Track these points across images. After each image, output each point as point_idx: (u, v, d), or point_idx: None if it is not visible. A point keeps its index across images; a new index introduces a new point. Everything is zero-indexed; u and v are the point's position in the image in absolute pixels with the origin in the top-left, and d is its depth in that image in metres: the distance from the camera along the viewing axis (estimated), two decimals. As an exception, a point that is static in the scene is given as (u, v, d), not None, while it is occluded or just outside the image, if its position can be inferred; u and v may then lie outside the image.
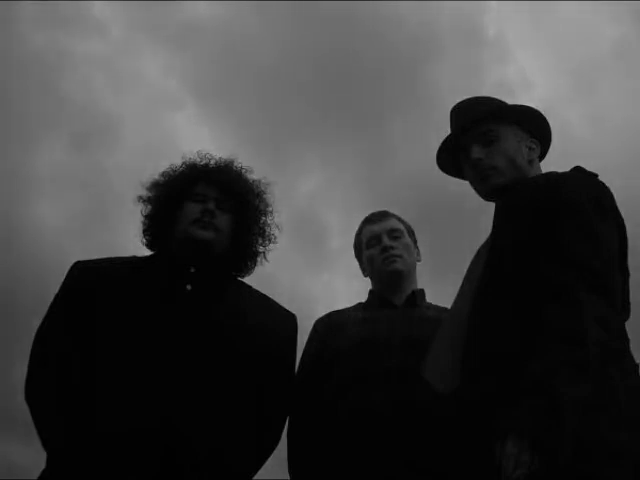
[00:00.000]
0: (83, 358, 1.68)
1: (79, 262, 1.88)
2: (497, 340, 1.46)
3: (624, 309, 1.56)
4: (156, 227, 1.95)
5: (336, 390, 1.94)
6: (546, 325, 1.35)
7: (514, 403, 1.28)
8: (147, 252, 1.98)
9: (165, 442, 1.58)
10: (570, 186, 1.57)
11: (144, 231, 1.97)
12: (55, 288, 1.84)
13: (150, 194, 1.99)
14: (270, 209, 2.05)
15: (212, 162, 2.03)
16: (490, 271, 1.57)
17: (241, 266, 2.00)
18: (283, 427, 1.91)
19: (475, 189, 1.82)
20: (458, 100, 1.89)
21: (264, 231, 2.03)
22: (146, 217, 1.97)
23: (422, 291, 2.21)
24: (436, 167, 1.94)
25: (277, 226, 2.05)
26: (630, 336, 1.52)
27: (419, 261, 2.25)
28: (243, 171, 2.04)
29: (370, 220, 2.26)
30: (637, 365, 1.49)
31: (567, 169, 1.67)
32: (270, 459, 1.83)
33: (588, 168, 1.65)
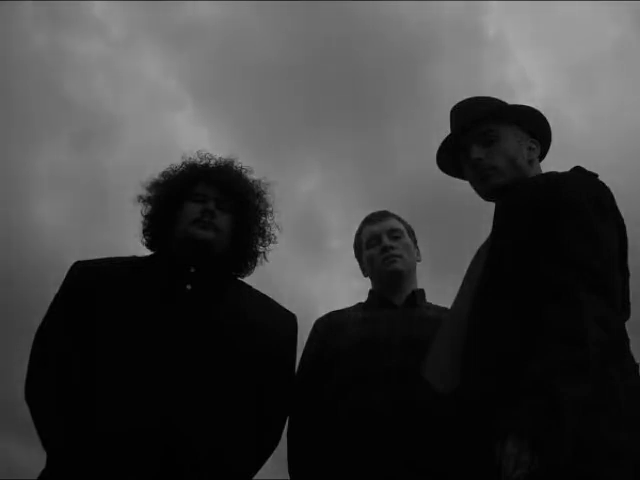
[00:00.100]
0: (83, 358, 1.68)
1: (79, 262, 1.88)
2: (497, 340, 1.46)
3: (624, 309, 1.56)
4: (156, 227, 1.95)
5: (336, 390, 1.94)
6: (546, 325, 1.35)
7: (514, 403, 1.28)
8: (147, 252, 1.98)
9: (165, 442, 1.58)
10: (570, 186, 1.57)
11: (144, 231, 1.97)
12: (55, 288, 1.84)
13: (150, 194, 1.99)
14: (270, 209, 2.05)
15: (212, 162, 2.03)
16: (490, 271, 1.57)
17: (241, 266, 2.00)
18: (283, 427, 1.91)
19: (475, 189, 1.82)
20: (458, 100, 1.89)
21: (264, 231, 2.03)
22: (146, 217, 1.97)
23: (422, 291, 2.21)
24: (436, 167, 1.94)
25: (277, 226, 2.06)
26: (630, 336, 1.52)
27: (419, 261, 2.25)
28: (243, 171, 2.04)
29: (370, 220, 2.26)
30: (637, 365, 1.49)
31: (567, 169, 1.67)
32: (270, 459, 1.83)
33: (588, 168, 1.65)
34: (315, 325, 2.18)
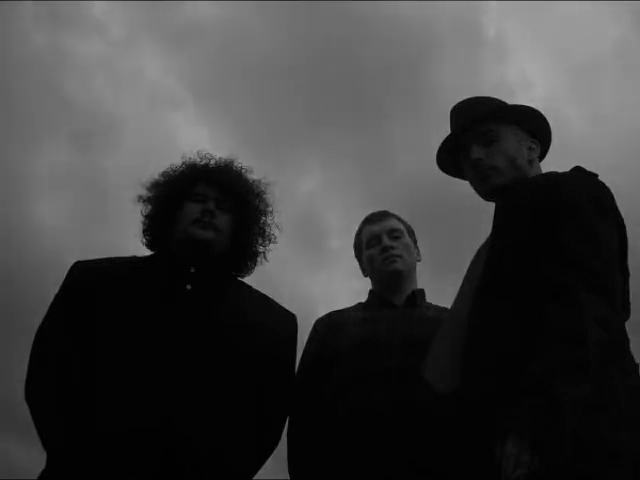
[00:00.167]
0: (83, 358, 1.68)
1: (79, 262, 1.88)
2: (497, 340, 1.46)
3: (624, 309, 1.56)
4: (156, 227, 1.95)
5: (336, 390, 1.94)
6: (546, 325, 1.35)
7: (514, 403, 1.28)
8: (147, 252, 1.98)
9: (165, 442, 1.58)
10: (570, 186, 1.57)
11: (144, 231, 1.97)
12: (55, 288, 1.84)
13: (150, 194, 2.00)
14: (270, 209, 2.05)
15: (212, 162, 2.03)
16: (490, 271, 1.57)
17: (241, 266, 2.00)
18: (283, 427, 1.91)
19: (475, 189, 1.82)
20: (458, 100, 1.89)
21: (264, 231, 2.03)
22: (146, 217, 1.97)
23: (422, 291, 2.21)
24: (436, 167, 1.94)
25: (277, 226, 2.06)
26: (630, 336, 1.52)
27: (419, 261, 2.25)
28: (243, 171, 2.04)
29: (370, 220, 2.26)
30: (637, 365, 1.49)
31: (567, 169, 1.67)
32: (270, 459, 1.83)
33: (588, 168, 1.65)
34: (315, 325, 2.18)
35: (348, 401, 1.89)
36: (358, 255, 2.30)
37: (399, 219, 2.26)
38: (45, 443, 1.65)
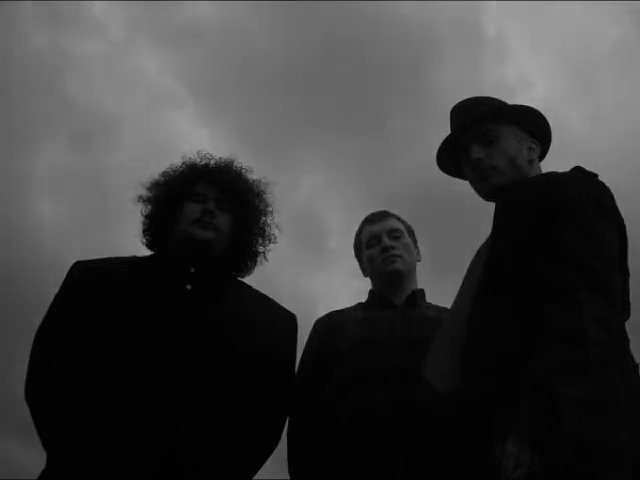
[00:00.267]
0: (83, 358, 1.68)
1: (79, 262, 1.88)
2: (497, 340, 1.46)
3: (624, 309, 1.56)
4: (156, 227, 1.95)
5: (336, 390, 1.94)
6: (546, 325, 1.35)
7: (514, 403, 1.28)
8: (147, 252, 1.98)
9: (165, 442, 1.58)
10: (570, 186, 1.57)
11: (144, 231, 1.97)
12: (55, 288, 1.84)
13: (150, 194, 2.00)
14: (270, 209, 2.05)
15: (212, 162, 2.03)
16: (490, 271, 1.57)
17: (241, 266, 2.00)
18: (283, 427, 1.91)
19: (475, 189, 1.82)
20: (458, 100, 1.89)
21: (264, 231, 2.03)
22: (146, 217, 1.97)
23: (422, 291, 2.21)
24: (436, 167, 1.94)
25: (277, 226, 2.06)
26: (630, 336, 1.52)
27: (419, 261, 2.25)
28: (243, 171, 2.04)
29: (370, 220, 2.26)
30: (637, 365, 1.49)
31: (567, 169, 1.67)
32: (270, 459, 1.83)
33: (588, 168, 1.65)
34: (315, 325, 2.18)
35: (348, 401, 1.89)
36: (358, 255, 2.30)
37: (399, 219, 2.26)
38: (45, 443, 1.65)
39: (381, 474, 1.78)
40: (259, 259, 2.03)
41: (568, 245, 1.46)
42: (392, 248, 2.14)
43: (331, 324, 2.13)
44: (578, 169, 1.66)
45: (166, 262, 1.88)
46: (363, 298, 2.24)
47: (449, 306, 1.82)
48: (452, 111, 1.88)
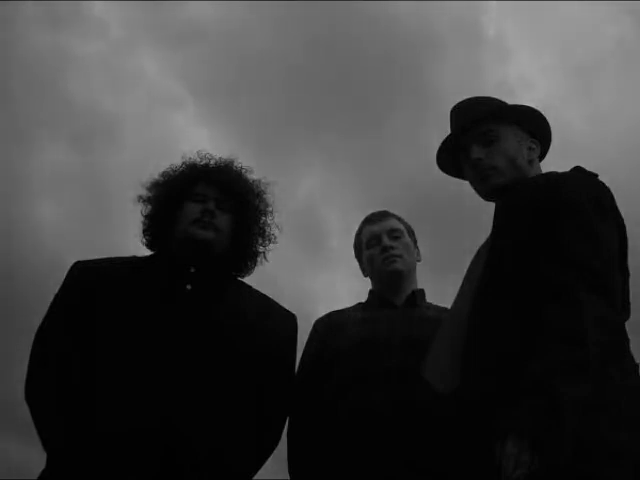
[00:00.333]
0: (83, 358, 1.68)
1: (79, 262, 1.88)
2: (497, 340, 1.46)
3: (624, 309, 1.56)
4: (156, 227, 1.95)
5: (336, 390, 1.94)
6: (546, 325, 1.35)
7: (514, 403, 1.28)
8: (147, 252, 1.98)
9: (165, 442, 1.58)
10: (570, 186, 1.57)
11: (144, 231, 1.97)
12: (55, 288, 1.84)
13: (150, 194, 2.00)
14: (270, 209, 2.05)
15: (212, 162, 2.03)
16: (490, 271, 1.57)
17: (241, 266, 2.00)
18: (283, 427, 1.91)
19: (475, 189, 1.82)
20: (458, 100, 1.89)
21: (264, 231, 2.03)
22: (146, 217, 1.97)
23: (422, 291, 2.21)
24: (436, 167, 1.94)
25: (277, 226, 2.06)
26: (630, 336, 1.52)
27: (419, 261, 2.25)
28: (243, 171, 2.04)
29: (370, 220, 2.26)
30: (637, 365, 1.49)
31: (567, 169, 1.67)
32: (270, 459, 1.83)
33: (588, 168, 1.65)
34: (315, 325, 2.18)
35: (348, 401, 1.89)
36: (358, 255, 2.30)
37: (399, 219, 2.26)
38: (45, 443, 1.65)
39: (381, 474, 1.78)
40: (259, 259, 2.03)
41: (568, 245, 1.46)
42: (392, 248, 2.14)
43: (331, 324, 2.13)
44: (578, 169, 1.66)
45: (166, 262, 1.88)
46: (363, 298, 2.24)
47: (449, 306, 1.82)
48: (452, 111, 1.88)
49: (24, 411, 1.69)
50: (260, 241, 2.02)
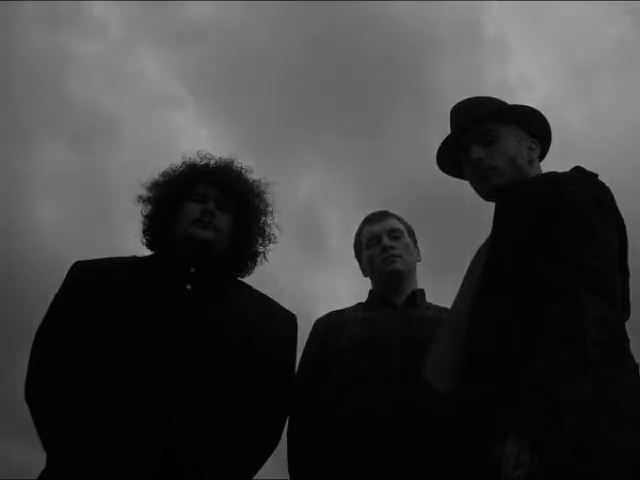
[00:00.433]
0: (83, 358, 1.68)
1: (79, 262, 1.88)
2: (497, 340, 1.46)
3: (624, 309, 1.56)
4: (156, 227, 1.95)
5: (336, 390, 1.94)
6: (546, 325, 1.35)
7: (514, 403, 1.28)
8: (147, 252, 1.98)
9: (165, 442, 1.58)
10: (570, 186, 1.57)
11: (144, 231, 1.97)
12: (55, 288, 1.84)
13: (150, 194, 2.00)
14: (270, 209, 2.05)
15: (212, 162, 2.03)
16: (490, 271, 1.57)
17: (241, 266, 2.00)
18: (283, 427, 1.91)
19: (475, 189, 1.82)
20: (458, 100, 1.89)
21: (264, 231, 2.03)
22: (146, 217, 1.97)
23: (422, 291, 2.21)
24: (436, 167, 1.94)
25: (277, 226, 2.06)
26: (630, 336, 1.52)
27: (419, 261, 2.25)
28: (243, 171, 2.04)
29: (370, 220, 2.26)
30: (637, 365, 1.49)
31: (567, 169, 1.67)
32: (270, 459, 1.83)
33: (588, 168, 1.65)
34: (315, 325, 2.18)
35: (348, 401, 1.89)
36: (358, 255, 2.30)
37: (399, 219, 2.26)
38: (45, 443, 1.65)
39: (381, 474, 1.78)
40: (259, 259, 2.03)
41: (568, 245, 1.46)
42: (392, 248, 2.14)
43: (331, 324, 2.13)
44: (578, 169, 1.66)
45: (166, 262, 1.88)
46: (363, 298, 2.24)
47: (449, 306, 1.82)
48: (452, 111, 1.88)
49: (24, 411, 1.69)
50: (260, 241, 2.02)
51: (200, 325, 1.75)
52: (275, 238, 2.05)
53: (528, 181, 1.68)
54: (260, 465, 1.80)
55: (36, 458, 1.71)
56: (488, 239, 1.69)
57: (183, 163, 2.03)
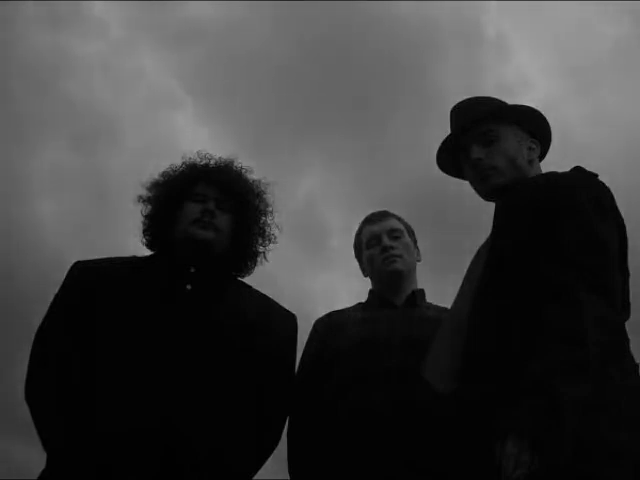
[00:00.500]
0: (83, 358, 1.68)
1: (79, 262, 1.88)
2: (497, 340, 1.46)
3: (624, 309, 1.56)
4: (156, 227, 1.95)
5: (336, 390, 1.94)
6: (546, 325, 1.35)
7: (514, 403, 1.28)
8: (147, 252, 1.98)
9: (165, 442, 1.58)
10: (570, 186, 1.57)
11: (144, 231, 1.97)
12: (55, 288, 1.84)
13: (150, 194, 2.00)
14: (270, 209, 2.05)
15: (212, 162, 2.04)
16: (490, 271, 1.57)
17: (241, 266, 2.00)
18: (283, 427, 1.91)
19: (475, 189, 1.82)
20: (458, 100, 1.89)
21: (264, 231, 2.03)
22: (146, 217, 1.97)
23: (422, 291, 2.21)
24: (436, 167, 1.94)
25: (277, 226, 2.06)
26: (630, 336, 1.52)
27: (419, 261, 2.25)
28: (243, 171, 2.04)
29: (370, 220, 2.26)
30: (637, 365, 1.49)
31: (567, 169, 1.67)
32: (270, 459, 1.83)
33: (588, 168, 1.65)
34: (315, 325, 2.18)
35: (348, 401, 1.89)
36: (358, 255, 2.30)
37: (399, 219, 2.26)
38: (45, 443, 1.65)
39: (381, 474, 1.78)
40: (259, 259, 2.03)
41: (568, 245, 1.46)
42: (392, 248, 2.14)
43: (331, 324, 2.13)
44: (578, 169, 1.66)
45: (166, 262, 1.88)
46: (363, 298, 2.24)
47: (449, 306, 1.82)
48: (452, 111, 1.88)
49: (24, 411, 1.69)
50: (260, 241, 2.02)
51: (200, 325, 1.75)
52: (275, 238, 2.05)
53: (528, 181, 1.68)
54: (260, 465, 1.80)
55: (36, 458, 1.71)
56: (488, 239, 1.69)
57: (183, 163, 2.03)
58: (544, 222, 1.51)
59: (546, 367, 1.29)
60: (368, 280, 2.26)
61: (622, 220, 1.60)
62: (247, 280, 2.02)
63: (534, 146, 1.81)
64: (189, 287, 1.82)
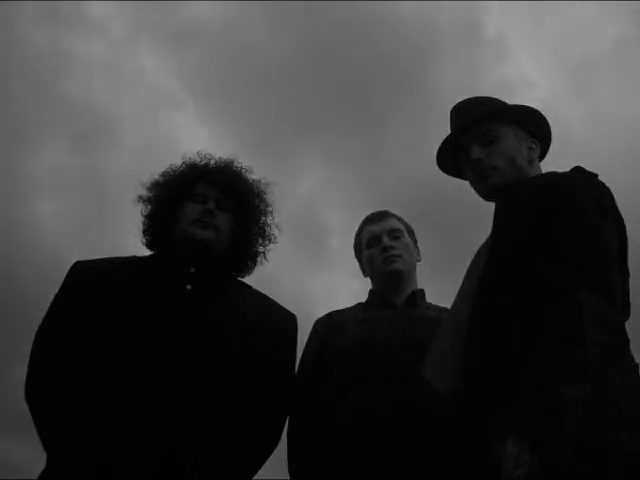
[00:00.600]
0: (83, 358, 1.68)
1: (79, 262, 1.88)
2: (497, 340, 1.46)
3: (624, 309, 1.56)
4: (156, 227, 1.95)
5: (336, 390, 1.94)
6: (546, 325, 1.35)
7: (514, 403, 1.27)
8: (147, 252, 1.98)
9: (165, 442, 1.58)
10: (570, 186, 1.57)
11: (144, 231, 1.97)
12: (55, 288, 1.84)
13: (150, 194, 2.00)
14: (270, 209, 2.05)
15: (212, 162, 2.03)
16: (490, 271, 1.57)
17: (241, 266, 2.00)
18: (283, 427, 1.91)
19: (475, 189, 1.82)
20: (458, 100, 1.89)
21: (264, 231, 2.03)
22: (146, 217, 1.97)
23: (422, 291, 2.21)
24: (436, 167, 1.94)
25: (277, 226, 2.06)
26: (630, 336, 1.52)
27: (419, 261, 2.25)
28: (243, 171, 2.04)
29: (370, 220, 2.26)
30: (637, 365, 1.49)
31: (567, 169, 1.67)
32: (270, 459, 1.83)
33: (588, 168, 1.65)
34: (315, 325, 2.18)
35: (348, 401, 1.89)
36: (358, 255, 2.30)
37: (399, 219, 2.26)
38: (45, 443, 1.65)
39: (381, 474, 1.78)
40: (259, 259, 2.03)
41: (568, 245, 1.45)
42: (392, 248, 2.14)
43: (331, 324, 2.13)
44: (578, 169, 1.66)
45: (166, 262, 1.88)
46: (363, 298, 2.24)
47: (449, 306, 1.82)
48: (452, 111, 1.88)
49: (24, 411, 1.69)
50: (260, 241, 2.02)
51: (200, 325, 1.75)
52: (275, 238, 2.05)
53: (528, 181, 1.68)
54: (260, 465, 1.80)
55: (36, 458, 1.71)
56: (488, 239, 1.69)
57: (183, 163, 2.03)
58: (544, 222, 1.51)
59: (546, 367, 1.28)
60: (368, 280, 2.26)
61: (622, 220, 1.60)
62: (247, 280, 2.02)
63: (534, 146, 1.81)
64: (189, 287, 1.82)
